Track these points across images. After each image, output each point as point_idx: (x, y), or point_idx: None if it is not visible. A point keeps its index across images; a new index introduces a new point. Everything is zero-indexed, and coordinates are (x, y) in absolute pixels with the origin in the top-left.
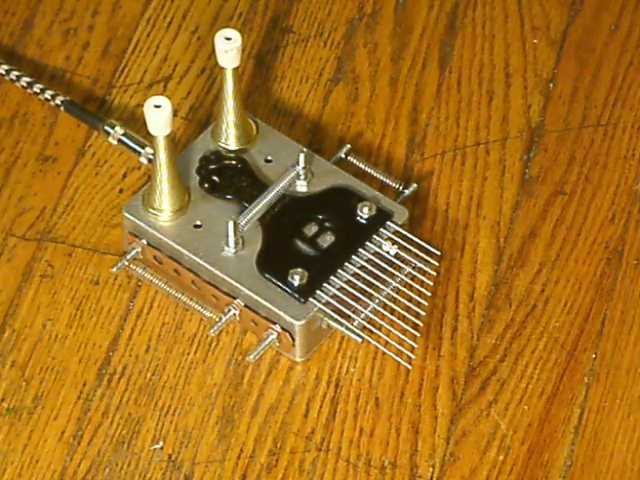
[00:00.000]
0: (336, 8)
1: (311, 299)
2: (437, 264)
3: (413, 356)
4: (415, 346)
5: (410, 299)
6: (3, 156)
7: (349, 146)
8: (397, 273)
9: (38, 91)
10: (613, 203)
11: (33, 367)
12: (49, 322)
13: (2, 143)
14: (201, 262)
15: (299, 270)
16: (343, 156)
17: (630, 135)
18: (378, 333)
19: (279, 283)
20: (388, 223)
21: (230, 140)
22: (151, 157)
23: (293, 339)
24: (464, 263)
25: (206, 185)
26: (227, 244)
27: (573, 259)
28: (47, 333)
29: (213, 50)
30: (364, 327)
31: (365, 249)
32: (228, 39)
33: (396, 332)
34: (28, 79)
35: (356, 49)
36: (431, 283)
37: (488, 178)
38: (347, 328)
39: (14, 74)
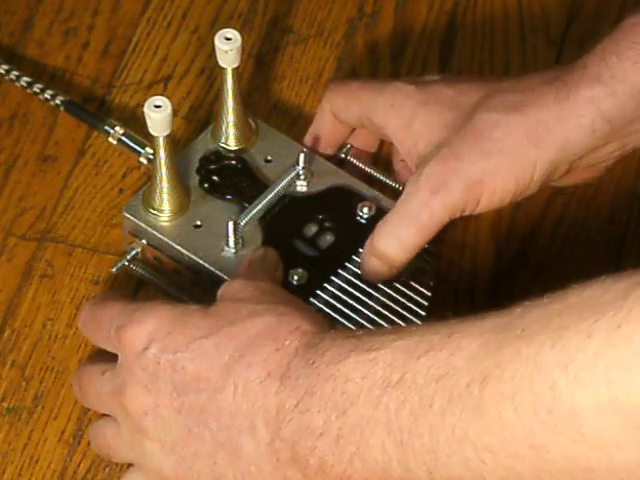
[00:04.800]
0: (336, 8)
1: (311, 299)
2: (437, 263)
3: None
4: None
5: (410, 298)
6: (3, 156)
7: (349, 146)
8: None
9: (38, 91)
10: (613, 203)
11: (33, 367)
12: (49, 322)
13: (2, 143)
14: (201, 262)
15: (299, 270)
16: (343, 156)
17: None
18: None
19: None
20: None
21: (230, 140)
22: (151, 157)
23: None
24: (464, 263)
25: (206, 185)
26: (227, 244)
27: (573, 259)
28: (47, 333)
29: (213, 50)
30: (364, 327)
31: None
32: (228, 39)
33: None
34: (28, 79)
35: (356, 49)
36: (431, 283)
37: None
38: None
39: (14, 74)
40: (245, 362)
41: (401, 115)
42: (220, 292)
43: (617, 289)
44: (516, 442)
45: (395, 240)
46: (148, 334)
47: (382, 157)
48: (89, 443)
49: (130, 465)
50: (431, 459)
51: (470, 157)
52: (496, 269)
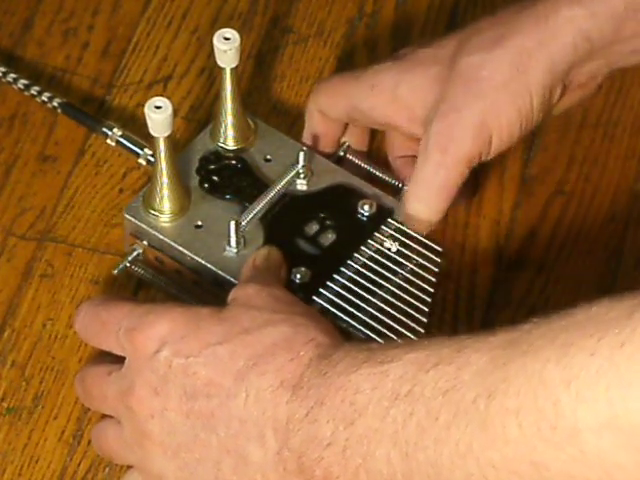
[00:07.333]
0: (336, 8)
1: (314, 297)
2: (438, 260)
3: None
4: None
5: (413, 295)
6: (3, 156)
7: (347, 144)
8: (399, 270)
9: (35, 93)
10: (613, 203)
11: (33, 367)
12: (49, 322)
13: (2, 143)
14: (203, 262)
15: (301, 269)
16: (342, 154)
17: (630, 135)
18: (381, 329)
19: None
20: (389, 220)
21: (229, 140)
22: (150, 158)
23: None
24: (464, 262)
25: (206, 185)
26: (229, 244)
27: (573, 259)
28: (47, 333)
29: (213, 50)
30: (367, 324)
31: (366, 247)
32: (227, 39)
33: (399, 328)
34: (25, 81)
35: (356, 49)
36: (433, 279)
37: (488, 177)
38: (350, 325)
39: (11, 76)
40: (259, 370)
41: (383, 91)
42: (232, 295)
43: (622, 307)
44: (518, 458)
45: (423, 205)
46: (161, 337)
47: (382, 155)
48: (89, 443)
49: (130, 466)
50: (434, 473)
51: (466, 103)
52: (496, 268)
